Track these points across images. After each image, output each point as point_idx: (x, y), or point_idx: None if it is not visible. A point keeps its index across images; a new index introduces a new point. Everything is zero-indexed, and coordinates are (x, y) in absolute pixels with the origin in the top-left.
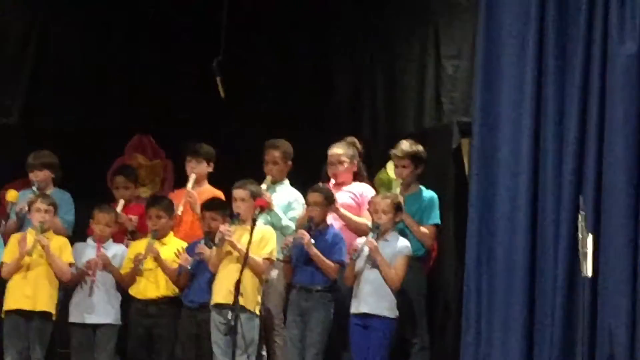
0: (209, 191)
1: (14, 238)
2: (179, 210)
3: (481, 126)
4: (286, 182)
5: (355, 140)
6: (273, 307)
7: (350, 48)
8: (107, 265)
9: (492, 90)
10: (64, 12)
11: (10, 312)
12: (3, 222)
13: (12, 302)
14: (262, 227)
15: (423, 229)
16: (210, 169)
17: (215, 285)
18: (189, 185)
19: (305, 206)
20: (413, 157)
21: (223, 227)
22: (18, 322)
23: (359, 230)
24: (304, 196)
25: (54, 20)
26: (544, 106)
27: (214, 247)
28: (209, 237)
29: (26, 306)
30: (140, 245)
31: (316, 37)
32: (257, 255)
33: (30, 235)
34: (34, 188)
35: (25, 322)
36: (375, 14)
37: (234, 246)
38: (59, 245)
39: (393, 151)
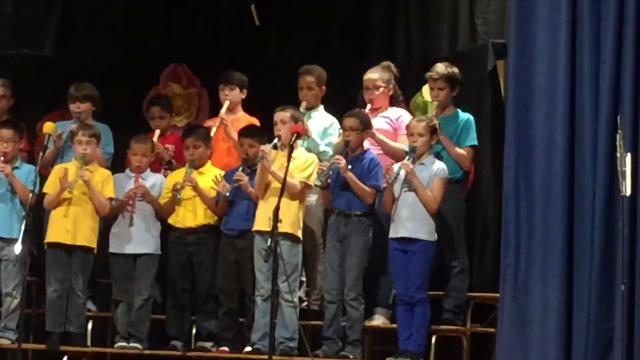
0: (244, 118)
1: (57, 169)
2: (212, 132)
3: (516, 47)
4: (321, 108)
5: (391, 64)
6: (313, 233)
7: None
8: (145, 195)
9: (527, 10)
10: None
11: (52, 245)
12: (41, 154)
13: (53, 235)
14: (306, 153)
15: (460, 151)
16: (243, 96)
17: (257, 212)
18: (222, 111)
19: (341, 131)
20: (449, 78)
21: (264, 147)
22: (59, 255)
23: (396, 155)
24: (340, 122)
25: None
26: (579, 25)
27: (258, 169)
28: (247, 163)
29: (67, 240)
30: (178, 175)
31: None
32: (295, 177)
33: (73, 167)
34: (75, 120)
35: (67, 255)
36: None
37: (267, 168)
38: (102, 178)
39: (429, 74)
